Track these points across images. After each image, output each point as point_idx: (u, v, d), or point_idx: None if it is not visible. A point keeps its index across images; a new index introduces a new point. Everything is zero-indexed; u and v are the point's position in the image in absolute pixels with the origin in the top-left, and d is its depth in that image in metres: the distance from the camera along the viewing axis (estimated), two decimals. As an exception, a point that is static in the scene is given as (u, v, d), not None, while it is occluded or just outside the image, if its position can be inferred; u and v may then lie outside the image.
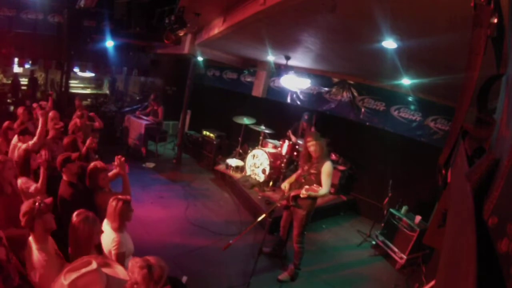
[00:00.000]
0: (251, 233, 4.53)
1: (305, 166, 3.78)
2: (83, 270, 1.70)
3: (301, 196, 3.56)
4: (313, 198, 3.71)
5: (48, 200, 2.20)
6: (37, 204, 2.08)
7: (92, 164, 3.08)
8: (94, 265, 1.74)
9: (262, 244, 3.30)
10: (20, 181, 3.10)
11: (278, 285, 3.91)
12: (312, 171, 3.64)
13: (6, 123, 4.19)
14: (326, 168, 3.58)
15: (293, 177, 3.99)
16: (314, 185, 3.44)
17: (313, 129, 6.42)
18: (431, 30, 2.28)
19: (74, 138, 3.98)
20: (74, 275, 1.67)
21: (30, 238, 2.11)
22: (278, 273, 4.06)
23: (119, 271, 1.92)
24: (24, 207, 2.09)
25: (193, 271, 3.79)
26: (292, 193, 3.68)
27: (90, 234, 2.13)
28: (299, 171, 3.98)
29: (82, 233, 2.10)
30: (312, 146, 3.68)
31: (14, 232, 2.37)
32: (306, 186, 3.46)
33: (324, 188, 3.54)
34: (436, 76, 3.74)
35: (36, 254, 2.04)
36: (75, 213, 2.16)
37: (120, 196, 2.51)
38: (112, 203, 2.46)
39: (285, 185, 3.87)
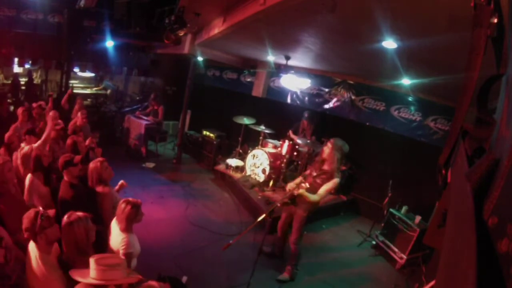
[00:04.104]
0: (251, 233, 4.52)
1: (313, 171, 3.75)
2: (110, 254, 2.00)
3: (294, 192, 3.56)
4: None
5: (51, 212, 2.17)
6: (38, 220, 2.00)
7: (93, 163, 3.06)
8: (122, 256, 1.99)
9: (262, 244, 3.30)
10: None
11: (278, 285, 3.91)
12: (318, 181, 3.65)
13: (6, 137, 4.11)
14: (331, 184, 3.58)
15: (298, 179, 3.94)
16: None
17: (312, 136, 6.40)
18: (431, 30, 2.28)
19: (75, 140, 3.98)
20: (101, 256, 1.88)
21: (32, 245, 2.05)
22: (278, 273, 4.06)
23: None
24: (25, 221, 2.00)
25: (193, 271, 3.79)
26: (296, 192, 3.61)
27: (86, 234, 2.12)
28: (307, 172, 3.94)
29: (79, 234, 2.09)
30: (325, 157, 3.65)
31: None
32: (303, 185, 3.48)
33: (316, 196, 3.58)
34: (436, 76, 3.75)
35: (36, 263, 2.00)
36: (66, 216, 2.13)
37: (130, 199, 2.49)
38: (121, 205, 2.47)
39: (291, 185, 3.79)
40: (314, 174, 3.72)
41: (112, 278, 1.81)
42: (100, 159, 3.11)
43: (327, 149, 3.67)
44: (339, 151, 3.60)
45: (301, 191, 3.49)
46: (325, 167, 3.64)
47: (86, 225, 2.13)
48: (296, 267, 4.03)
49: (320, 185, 3.63)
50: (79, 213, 2.16)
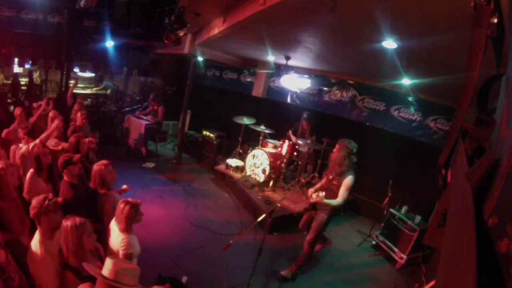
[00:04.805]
0: (251, 233, 4.53)
1: (330, 175, 3.87)
2: (127, 261, 2.06)
3: (311, 200, 3.71)
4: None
5: (59, 199, 2.21)
6: (46, 202, 2.13)
7: (97, 166, 3.04)
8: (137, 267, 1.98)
9: (262, 244, 3.30)
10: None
11: (278, 285, 3.91)
12: (335, 182, 3.78)
13: (4, 133, 4.12)
14: (347, 181, 3.69)
15: (318, 185, 4.09)
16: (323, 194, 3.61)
17: (312, 136, 6.43)
18: (431, 30, 2.28)
19: (78, 139, 3.97)
20: (120, 259, 1.91)
21: (37, 231, 2.15)
22: (278, 273, 4.06)
23: None
24: (34, 201, 2.15)
25: (193, 271, 3.79)
26: (313, 201, 3.73)
27: (79, 240, 2.08)
28: (324, 178, 4.06)
29: (71, 239, 2.06)
30: (334, 156, 3.81)
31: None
32: (321, 194, 3.60)
33: (338, 199, 3.71)
34: (436, 76, 3.75)
35: (36, 245, 2.07)
36: (64, 219, 2.12)
37: (129, 200, 2.48)
38: (120, 206, 2.45)
39: (311, 191, 3.84)
40: (331, 177, 3.85)
41: (123, 282, 1.81)
42: (104, 162, 3.06)
43: (335, 150, 3.83)
44: (345, 149, 3.72)
45: (319, 200, 3.58)
46: (337, 168, 3.76)
47: (81, 232, 2.08)
48: (300, 268, 4.03)
49: (337, 186, 3.74)
50: (77, 219, 2.10)
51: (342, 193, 3.69)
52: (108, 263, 1.84)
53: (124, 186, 3.39)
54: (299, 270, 4.04)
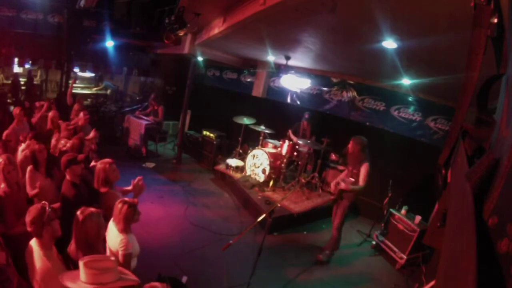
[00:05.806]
0: (251, 233, 4.52)
1: (350, 167, 4.43)
2: (100, 257, 1.92)
3: (340, 187, 4.24)
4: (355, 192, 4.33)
5: (56, 205, 2.17)
6: (47, 209, 2.03)
7: (101, 164, 3.06)
8: (112, 258, 1.92)
9: (262, 244, 3.30)
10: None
11: (278, 284, 3.91)
12: (355, 171, 4.31)
13: (4, 135, 4.14)
14: (365, 167, 4.25)
15: (339, 178, 4.56)
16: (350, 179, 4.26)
17: (312, 136, 6.48)
18: (431, 30, 2.28)
19: (82, 140, 3.99)
20: (91, 259, 1.80)
21: (34, 243, 2.05)
22: (278, 273, 4.06)
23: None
24: (33, 213, 2.02)
25: (193, 271, 3.79)
26: (340, 187, 4.30)
27: (98, 230, 2.17)
28: (345, 172, 4.59)
29: (90, 229, 2.12)
30: (350, 150, 4.35)
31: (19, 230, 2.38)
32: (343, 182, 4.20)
33: (360, 184, 4.23)
34: (436, 76, 3.75)
35: (41, 261, 2.00)
36: (79, 211, 2.16)
37: (126, 199, 2.49)
38: (117, 205, 2.45)
39: (333, 184, 4.47)
40: (350, 168, 4.38)
41: (103, 281, 1.76)
42: (109, 160, 3.09)
43: (350, 146, 4.34)
44: (360, 144, 4.24)
45: (345, 187, 4.15)
46: (355, 160, 4.30)
47: (98, 222, 2.17)
48: (332, 252, 4.48)
49: (357, 174, 4.26)
50: (92, 209, 2.17)
51: (363, 177, 4.21)
52: (81, 266, 1.76)
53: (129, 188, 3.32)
54: (332, 254, 4.50)
